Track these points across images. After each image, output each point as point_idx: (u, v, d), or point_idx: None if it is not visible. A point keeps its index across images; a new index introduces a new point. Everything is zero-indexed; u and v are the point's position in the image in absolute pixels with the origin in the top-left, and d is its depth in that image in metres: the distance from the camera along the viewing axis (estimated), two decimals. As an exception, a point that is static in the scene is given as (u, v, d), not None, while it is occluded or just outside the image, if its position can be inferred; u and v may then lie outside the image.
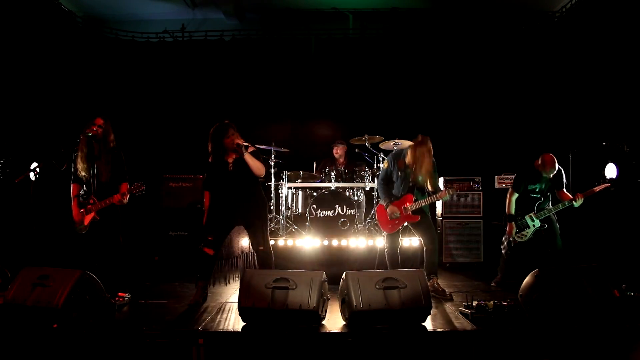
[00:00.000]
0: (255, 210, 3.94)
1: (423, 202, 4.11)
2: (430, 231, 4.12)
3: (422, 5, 8.02)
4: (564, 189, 4.54)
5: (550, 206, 4.51)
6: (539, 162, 4.45)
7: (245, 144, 3.79)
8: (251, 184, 3.92)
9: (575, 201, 4.31)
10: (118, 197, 3.81)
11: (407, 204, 4.10)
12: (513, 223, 4.54)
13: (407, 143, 5.04)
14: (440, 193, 4.05)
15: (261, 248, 3.93)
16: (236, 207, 3.88)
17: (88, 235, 3.91)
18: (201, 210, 6.01)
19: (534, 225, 4.47)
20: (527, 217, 4.51)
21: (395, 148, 5.27)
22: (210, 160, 3.96)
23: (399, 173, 4.16)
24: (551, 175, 4.45)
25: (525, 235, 4.51)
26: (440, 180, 6.13)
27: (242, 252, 5.84)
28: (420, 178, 4.06)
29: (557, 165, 4.41)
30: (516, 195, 4.56)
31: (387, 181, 4.24)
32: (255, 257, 4.09)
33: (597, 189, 4.32)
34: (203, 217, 4.02)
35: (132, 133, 6.79)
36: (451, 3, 7.93)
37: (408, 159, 4.09)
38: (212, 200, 3.97)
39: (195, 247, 5.87)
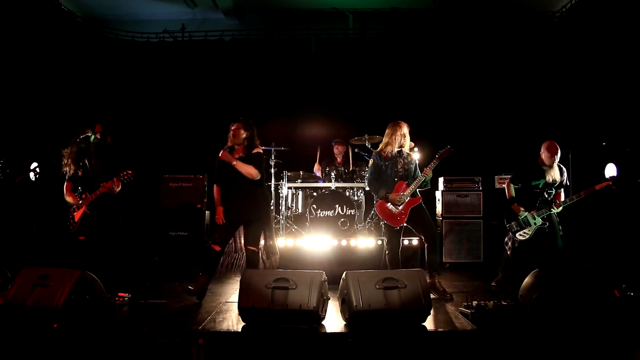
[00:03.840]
0: (254, 211, 4.01)
1: (415, 184, 4.14)
2: (431, 228, 4.13)
3: (422, 5, 8.02)
4: (562, 191, 4.61)
5: (549, 203, 4.51)
6: (542, 154, 4.50)
7: (234, 162, 3.92)
8: (253, 184, 4.00)
9: (553, 209, 4.41)
10: (108, 185, 3.76)
11: (403, 191, 4.13)
12: (516, 204, 4.55)
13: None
14: (423, 172, 4.11)
15: (250, 247, 4.03)
16: (238, 205, 3.98)
17: (85, 232, 3.87)
18: (201, 210, 6.08)
19: (535, 224, 4.45)
20: (528, 216, 4.48)
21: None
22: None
23: (386, 163, 4.23)
24: (556, 169, 4.48)
25: (527, 234, 4.48)
26: (440, 180, 6.15)
27: (242, 251, 5.86)
28: (405, 161, 4.20)
29: (559, 154, 4.44)
30: (513, 186, 4.64)
31: (376, 176, 4.28)
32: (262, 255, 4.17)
33: (584, 193, 4.33)
34: (203, 216, 4.03)
35: (132, 133, 6.79)
36: (451, 3, 7.93)
37: (388, 147, 4.21)
38: (221, 197, 4.09)
39: (195, 247, 5.92)
